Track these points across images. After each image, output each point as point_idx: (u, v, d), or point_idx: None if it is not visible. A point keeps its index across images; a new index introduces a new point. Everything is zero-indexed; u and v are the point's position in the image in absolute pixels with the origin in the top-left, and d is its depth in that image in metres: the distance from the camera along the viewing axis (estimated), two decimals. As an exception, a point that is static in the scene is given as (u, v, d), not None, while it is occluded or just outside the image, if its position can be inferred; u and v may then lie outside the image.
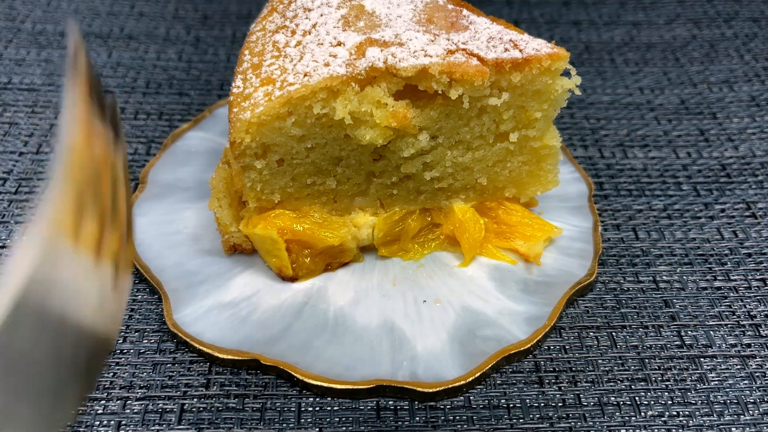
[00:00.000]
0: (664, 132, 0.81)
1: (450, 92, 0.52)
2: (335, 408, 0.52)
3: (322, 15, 0.56)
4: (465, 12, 0.57)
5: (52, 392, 0.31)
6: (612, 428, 0.52)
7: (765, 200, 0.72)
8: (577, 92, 0.55)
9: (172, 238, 0.63)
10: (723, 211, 0.70)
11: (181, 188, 0.67)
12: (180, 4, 1.01)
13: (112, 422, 0.51)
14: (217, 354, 0.53)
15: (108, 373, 0.54)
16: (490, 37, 0.54)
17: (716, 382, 0.55)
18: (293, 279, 0.60)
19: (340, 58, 0.52)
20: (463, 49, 0.52)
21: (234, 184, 0.60)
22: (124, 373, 0.54)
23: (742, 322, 0.59)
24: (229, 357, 0.53)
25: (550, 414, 0.52)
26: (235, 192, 0.61)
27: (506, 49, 0.53)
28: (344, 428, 0.51)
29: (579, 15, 1.02)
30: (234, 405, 0.52)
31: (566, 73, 0.56)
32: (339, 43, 0.53)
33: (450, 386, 0.52)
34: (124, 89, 0.84)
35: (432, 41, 0.53)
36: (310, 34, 0.55)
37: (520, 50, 0.53)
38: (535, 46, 0.53)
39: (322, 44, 0.53)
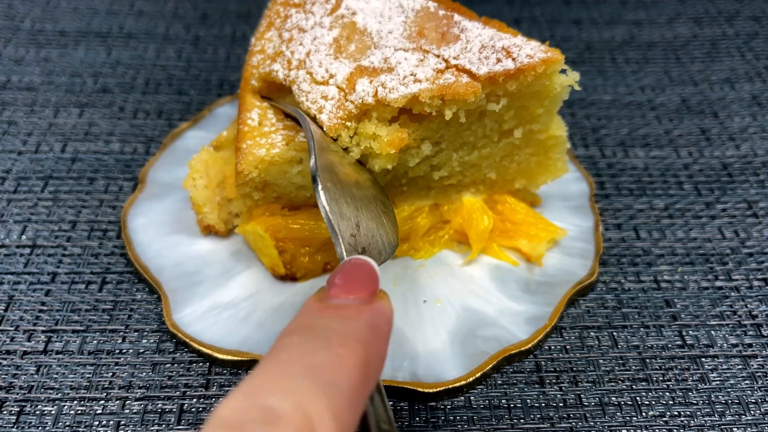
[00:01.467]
0: (666, 131, 0.80)
1: (444, 112, 0.51)
2: (335, 408, 0.52)
3: (315, 39, 0.56)
4: (456, 18, 0.55)
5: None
6: (613, 428, 0.51)
7: (767, 199, 0.71)
8: (577, 87, 0.55)
9: (171, 238, 0.62)
10: (724, 210, 0.70)
11: (181, 188, 0.67)
12: (179, 3, 1.01)
13: (111, 422, 0.51)
14: (216, 354, 0.53)
15: (107, 373, 0.54)
16: (482, 47, 0.52)
17: (718, 382, 0.55)
18: (293, 279, 0.59)
19: (330, 101, 0.52)
20: (454, 66, 0.51)
21: (225, 188, 0.60)
22: (123, 373, 0.54)
23: (743, 322, 0.59)
24: (229, 357, 0.53)
25: (551, 414, 0.52)
26: (218, 181, 0.61)
27: (498, 60, 0.51)
28: (344, 428, 0.51)
29: (580, 13, 1.02)
30: (233, 405, 0.52)
31: (563, 72, 0.55)
32: (331, 76, 0.53)
33: (450, 386, 0.52)
34: (124, 88, 0.84)
35: (421, 61, 0.52)
36: (304, 65, 0.55)
37: (513, 59, 0.51)
38: (528, 51, 0.52)
39: (315, 80, 0.54)
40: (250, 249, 0.62)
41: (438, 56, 0.53)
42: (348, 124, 0.51)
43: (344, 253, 0.42)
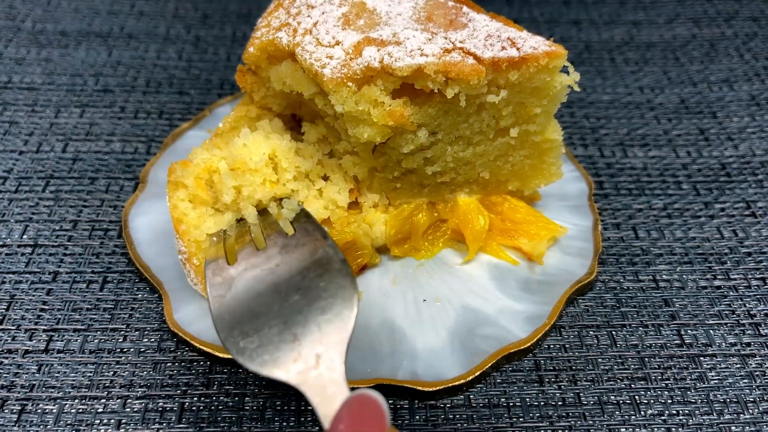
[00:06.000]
0: (664, 131, 0.81)
1: (446, 91, 0.52)
2: (335, 407, 0.52)
3: (323, 13, 0.57)
4: (465, 9, 0.57)
5: None
6: (612, 427, 0.52)
7: (765, 199, 0.72)
8: (576, 88, 0.55)
9: (172, 237, 0.63)
10: (723, 210, 0.70)
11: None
12: (180, 3, 1.01)
13: (113, 421, 0.51)
14: (217, 353, 0.53)
15: (108, 372, 0.54)
16: (488, 35, 0.54)
17: (716, 381, 0.55)
18: None
19: (336, 60, 0.52)
20: (460, 48, 0.52)
21: None
22: (124, 372, 0.54)
23: (741, 321, 0.59)
24: (229, 356, 0.53)
25: (550, 413, 0.52)
26: None
27: (503, 48, 0.53)
28: (344, 427, 0.51)
29: (579, 14, 1.02)
30: (234, 404, 0.53)
31: (565, 70, 0.56)
32: (337, 42, 0.53)
33: (450, 385, 0.52)
34: (125, 88, 0.84)
35: (429, 40, 0.53)
36: (310, 33, 0.55)
37: (518, 48, 0.53)
38: (532, 44, 0.53)
39: (321, 43, 0.54)
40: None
41: (446, 38, 0.53)
42: (350, 84, 0.51)
43: (307, 394, 0.40)
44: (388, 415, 0.35)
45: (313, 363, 0.41)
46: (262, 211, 0.55)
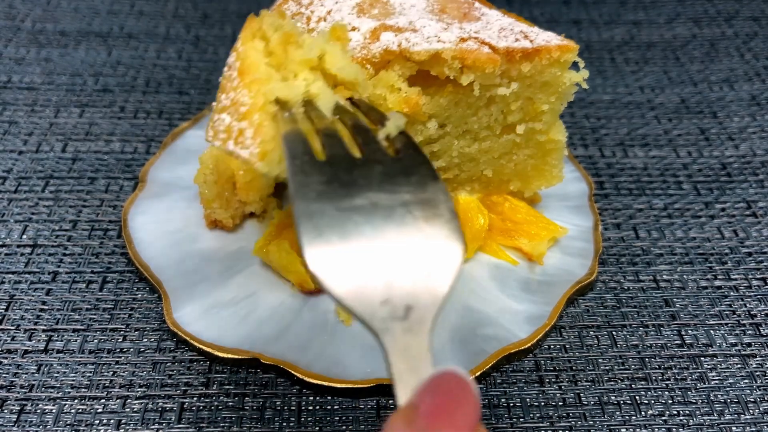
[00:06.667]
0: (665, 131, 0.81)
1: (461, 78, 0.53)
2: (335, 407, 0.52)
3: (336, 2, 0.57)
4: (477, 4, 0.59)
5: None
6: (612, 427, 0.52)
7: (765, 199, 0.71)
8: (584, 86, 0.56)
9: (171, 236, 0.63)
10: (723, 210, 0.70)
11: (181, 187, 0.67)
12: (180, 3, 1.01)
13: (112, 421, 0.51)
14: (216, 353, 0.53)
15: (107, 372, 0.54)
16: (501, 28, 0.55)
17: (716, 382, 0.55)
18: (319, 292, 0.59)
19: (354, 42, 0.52)
20: (475, 38, 0.53)
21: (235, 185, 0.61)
22: (123, 372, 0.54)
23: (742, 322, 0.59)
24: (229, 356, 0.53)
25: (551, 413, 0.52)
26: (227, 177, 0.61)
27: (517, 39, 0.54)
28: (344, 427, 0.51)
29: (579, 14, 1.02)
30: (234, 404, 0.52)
31: (575, 66, 0.56)
32: (354, 28, 0.54)
33: (450, 385, 0.52)
34: (124, 88, 0.84)
35: (445, 29, 0.54)
36: (324, 20, 0.56)
37: (531, 41, 0.54)
38: (545, 37, 0.55)
39: None
40: (251, 251, 0.62)
41: (461, 29, 0.54)
42: (368, 67, 0.52)
43: (387, 348, 0.32)
44: (479, 404, 0.31)
45: (402, 314, 0.34)
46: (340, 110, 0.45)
